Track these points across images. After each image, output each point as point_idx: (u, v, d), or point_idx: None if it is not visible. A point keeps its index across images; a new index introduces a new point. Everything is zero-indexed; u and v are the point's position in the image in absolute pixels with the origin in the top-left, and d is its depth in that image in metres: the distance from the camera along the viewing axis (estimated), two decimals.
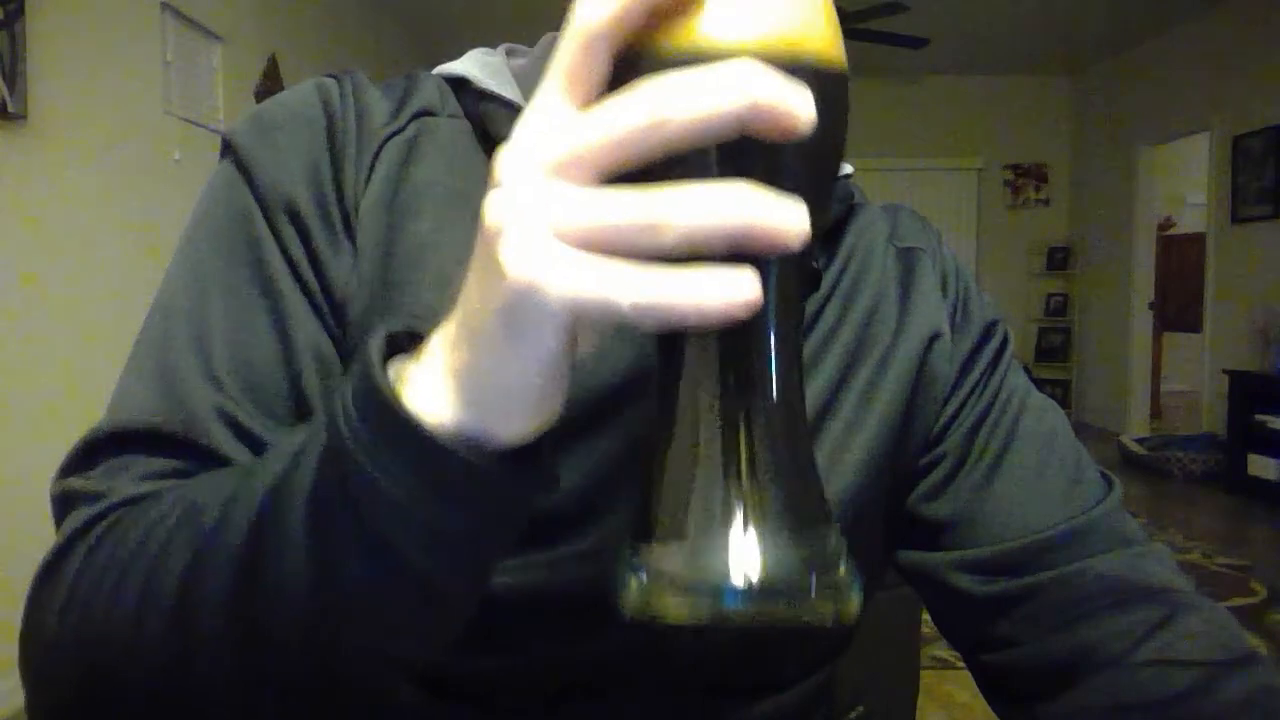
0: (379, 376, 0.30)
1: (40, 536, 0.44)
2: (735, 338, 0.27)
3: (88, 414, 0.46)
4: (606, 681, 0.49)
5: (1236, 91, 5.37)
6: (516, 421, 0.29)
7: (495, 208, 0.27)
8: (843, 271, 0.57)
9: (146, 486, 0.42)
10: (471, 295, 0.29)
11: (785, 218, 0.24)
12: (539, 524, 0.47)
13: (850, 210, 0.59)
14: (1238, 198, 5.36)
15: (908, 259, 0.59)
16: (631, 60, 0.27)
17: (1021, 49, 6.46)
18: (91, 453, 0.44)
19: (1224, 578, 3.52)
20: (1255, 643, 2.83)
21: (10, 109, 2.36)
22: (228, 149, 0.50)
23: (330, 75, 0.53)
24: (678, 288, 0.24)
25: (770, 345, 0.28)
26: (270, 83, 3.91)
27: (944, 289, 0.59)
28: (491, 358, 0.28)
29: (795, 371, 0.29)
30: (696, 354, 0.28)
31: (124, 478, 0.43)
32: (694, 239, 0.24)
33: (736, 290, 0.24)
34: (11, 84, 2.37)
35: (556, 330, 0.27)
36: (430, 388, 0.30)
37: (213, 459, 0.43)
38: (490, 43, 0.60)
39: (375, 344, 0.31)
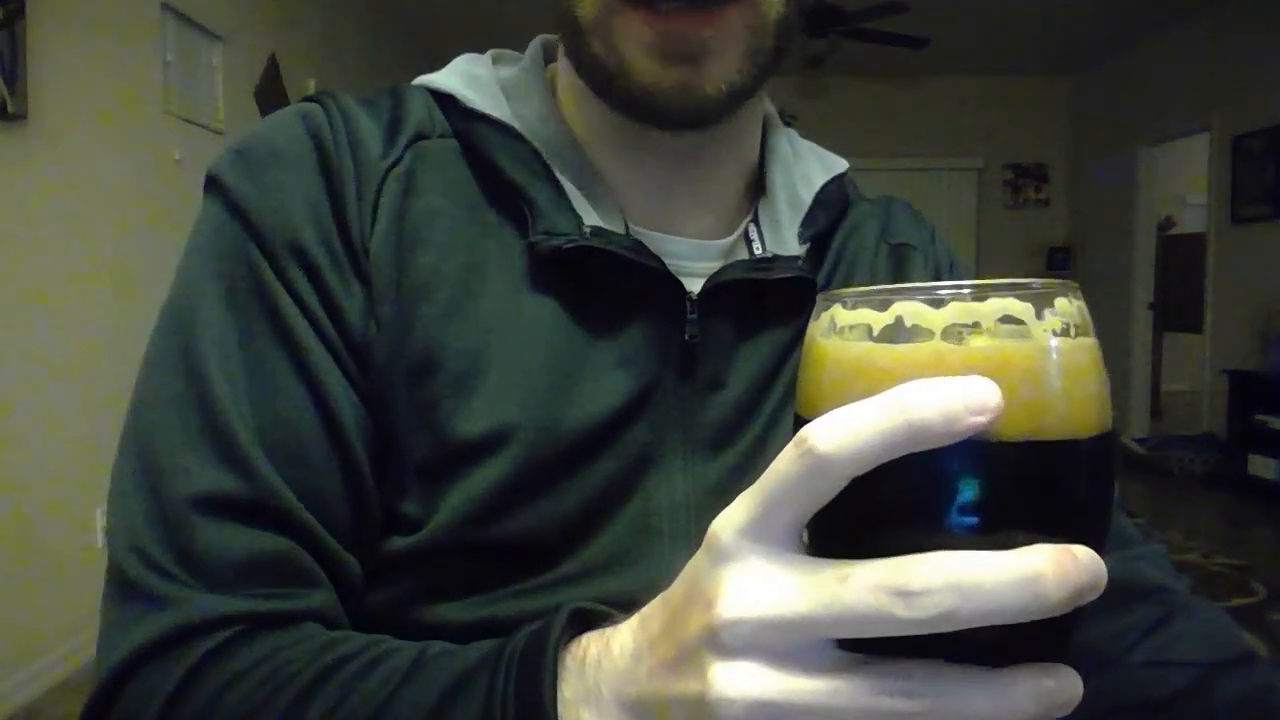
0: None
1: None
2: None
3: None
4: None
5: (1236, 91, 5.36)
6: None
7: (723, 684, 0.26)
8: (832, 273, 0.57)
9: (230, 605, 0.40)
10: None
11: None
12: (534, 552, 0.47)
13: (843, 209, 0.59)
14: (1238, 198, 5.35)
15: (899, 255, 0.59)
16: None
17: (1021, 49, 6.45)
18: (159, 521, 0.42)
19: (1224, 577, 3.51)
20: (1255, 642, 2.82)
21: (10, 109, 2.36)
22: (214, 188, 0.47)
23: (311, 99, 0.50)
24: None
25: None
26: (270, 83, 3.91)
27: None
28: None
29: None
30: None
31: (192, 571, 0.41)
32: None
33: None
34: (11, 84, 2.37)
35: None
36: None
37: (287, 521, 0.43)
38: (488, 44, 0.60)
39: (548, 672, 0.32)
